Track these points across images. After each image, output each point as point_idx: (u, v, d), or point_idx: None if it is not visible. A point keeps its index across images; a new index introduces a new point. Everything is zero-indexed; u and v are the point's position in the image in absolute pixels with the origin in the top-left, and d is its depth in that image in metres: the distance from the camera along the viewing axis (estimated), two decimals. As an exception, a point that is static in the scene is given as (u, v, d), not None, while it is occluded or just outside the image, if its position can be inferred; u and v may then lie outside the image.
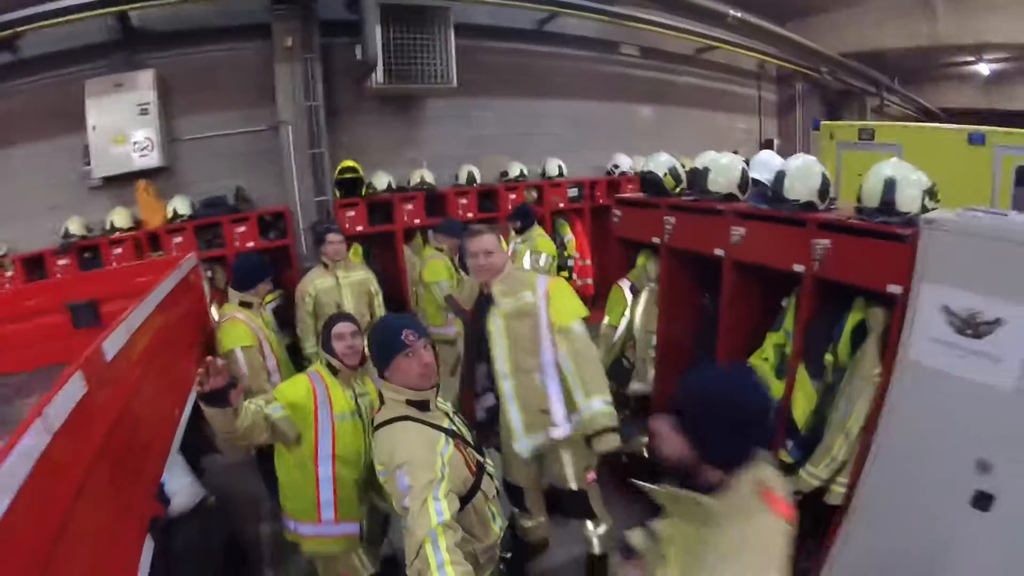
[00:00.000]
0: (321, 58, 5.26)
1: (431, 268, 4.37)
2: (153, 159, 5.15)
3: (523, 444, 2.53)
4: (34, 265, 4.98)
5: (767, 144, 8.49)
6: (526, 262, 4.91)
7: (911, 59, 9.07)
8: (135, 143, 5.10)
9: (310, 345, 3.99)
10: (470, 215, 5.87)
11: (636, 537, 1.67)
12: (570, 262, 6.43)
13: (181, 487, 2.42)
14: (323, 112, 5.33)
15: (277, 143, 5.34)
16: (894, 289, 2.09)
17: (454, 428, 1.99)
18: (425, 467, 1.69)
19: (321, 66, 5.25)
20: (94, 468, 1.68)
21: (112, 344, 2.01)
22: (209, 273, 5.11)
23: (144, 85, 5.09)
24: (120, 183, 5.19)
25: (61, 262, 4.88)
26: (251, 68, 5.33)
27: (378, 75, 5.12)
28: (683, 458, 1.36)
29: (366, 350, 2.24)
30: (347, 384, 2.40)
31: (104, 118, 5.04)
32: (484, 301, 2.61)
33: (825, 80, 8.52)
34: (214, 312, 5.16)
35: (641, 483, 1.58)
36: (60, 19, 4.50)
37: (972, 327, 1.88)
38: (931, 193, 2.22)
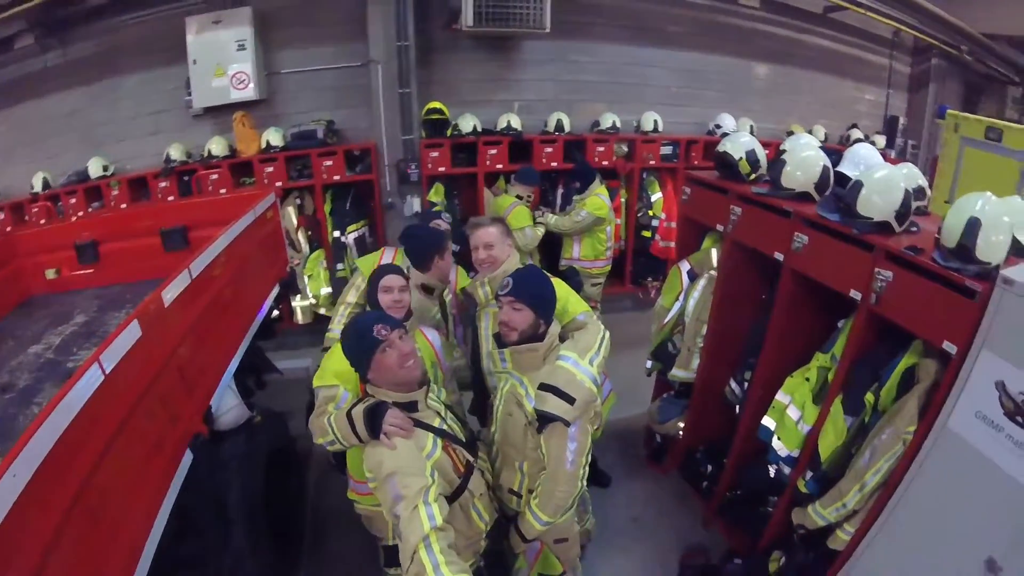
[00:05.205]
0: (415, -2, 5.14)
1: (516, 215, 4.41)
2: (250, 92, 5.34)
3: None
4: (137, 185, 5.42)
5: (891, 123, 7.48)
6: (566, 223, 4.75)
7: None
8: (233, 76, 5.30)
9: None
10: (554, 164, 5.69)
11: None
12: (654, 222, 6.21)
13: (229, 409, 2.72)
14: (413, 52, 5.27)
15: (368, 80, 5.38)
16: (949, 347, 1.82)
17: (444, 427, 1.96)
18: (415, 474, 1.69)
19: (413, 5, 5.14)
20: (145, 395, 1.95)
21: (171, 291, 2.24)
22: (299, 201, 5.53)
23: (241, 21, 5.22)
24: (219, 112, 5.46)
25: (162, 184, 5.26)
26: (346, 4, 5.31)
27: (467, 17, 4.97)
28: (530, 325, 2.02)
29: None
30: None
31: (203, 53, 5.24)
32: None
33: (965, 59, 7.20)
34: (301, 237, 5.57)
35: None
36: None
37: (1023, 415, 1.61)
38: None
